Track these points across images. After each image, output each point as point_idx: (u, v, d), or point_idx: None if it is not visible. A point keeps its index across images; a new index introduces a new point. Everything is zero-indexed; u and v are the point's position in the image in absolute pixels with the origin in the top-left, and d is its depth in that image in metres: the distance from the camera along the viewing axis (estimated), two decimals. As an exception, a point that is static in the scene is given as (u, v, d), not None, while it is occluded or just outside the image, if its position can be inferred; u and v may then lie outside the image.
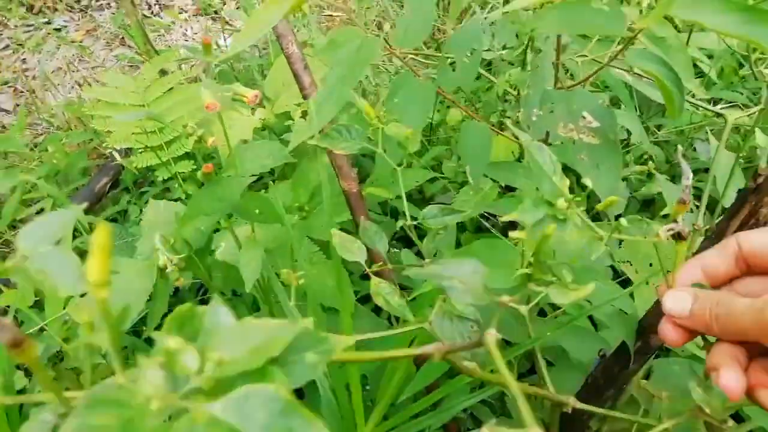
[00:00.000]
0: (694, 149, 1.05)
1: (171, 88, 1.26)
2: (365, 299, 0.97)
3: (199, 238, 0.59)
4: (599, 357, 0.59)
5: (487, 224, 1.13)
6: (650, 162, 0.92)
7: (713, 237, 0.45)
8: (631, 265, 0.83)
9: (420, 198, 1.42)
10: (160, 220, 0.64)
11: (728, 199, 0.82)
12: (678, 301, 0.36)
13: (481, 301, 0.29)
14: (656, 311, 0.51)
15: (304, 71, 0.71)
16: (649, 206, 1.14)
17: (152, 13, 2.33)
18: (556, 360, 0.75)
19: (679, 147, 0.38)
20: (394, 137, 0.56)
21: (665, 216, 0.38)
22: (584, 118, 0.56)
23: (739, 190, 0.52)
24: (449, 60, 0.67)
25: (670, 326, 0.36)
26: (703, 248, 0.46)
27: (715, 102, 1.04)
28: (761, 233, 0.36)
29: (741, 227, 0.43)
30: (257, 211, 0.70)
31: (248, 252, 0.56)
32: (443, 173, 1.31)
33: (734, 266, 0.36)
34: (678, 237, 0.34)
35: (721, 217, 0.46)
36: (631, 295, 0.61)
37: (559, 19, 0.47)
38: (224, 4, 2.31)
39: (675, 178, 1.20)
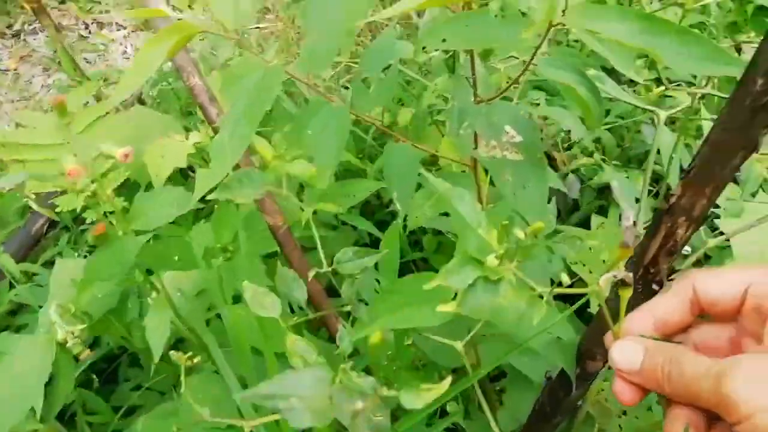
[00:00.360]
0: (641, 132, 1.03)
1: (105, 115, 1.19)
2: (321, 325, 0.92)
3: (100, 305, 0.54)
4: (546, 379, 0.56)
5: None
6: (595, 154, 0.88)
7: (633, 261, 0.41)
8: (584, 265, 0.80)
9: (378, 204, 1.37)
10: (66, 283, 0.59)
11: (674, 178, 0.78)
12: (626, 353, 0.31)
13: (325, 420, 0.25)
14: (590, 337, 0.48)
15: (210, 103, 0.65)
16: (603, 193, 1.11)
17: (90, 32, 2.24)
18: (511, 378, 0.72)
19: (613, 183, 0.33)
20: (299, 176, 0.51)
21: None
22: (507, 132, 0.52)
23: (654, 209, 0.48)
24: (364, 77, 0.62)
25: (621, 383, 0.31)
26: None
27: (660, 81, 1.01)
28: (718, 279, 0.31)
29: (660, 248, 0.39)
30: (176, 257, 0.65)
31: (155, 315, 0.51)
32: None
33: (689, 314, 0.32)
34: (622, 284, 0.30)
35: (644, 230, 0.43)
36: (577, 311, 0.57)
37: (453, 35, 0.42)
38: (163, 16, 2.22)
39: (630, 161, 1.17)
